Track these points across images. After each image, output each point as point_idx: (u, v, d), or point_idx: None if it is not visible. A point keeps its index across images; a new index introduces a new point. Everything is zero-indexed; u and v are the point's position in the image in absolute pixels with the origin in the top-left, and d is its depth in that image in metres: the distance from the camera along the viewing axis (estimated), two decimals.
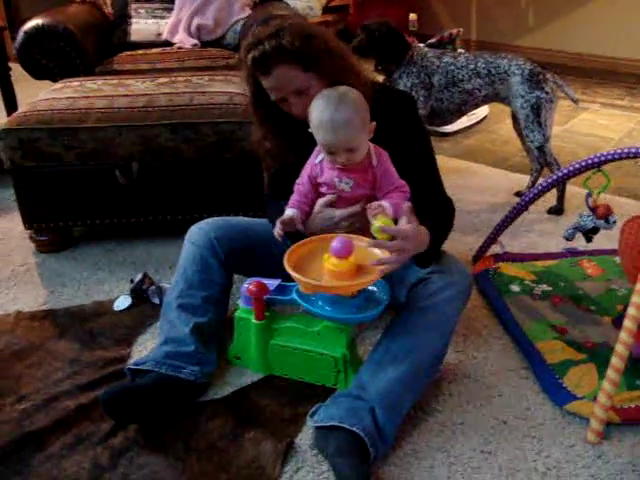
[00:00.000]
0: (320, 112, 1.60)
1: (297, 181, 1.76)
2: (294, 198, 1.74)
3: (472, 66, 2.74)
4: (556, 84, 2.67)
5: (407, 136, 1.77)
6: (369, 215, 1.58)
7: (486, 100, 2.86)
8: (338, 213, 1.70)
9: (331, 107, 1.58)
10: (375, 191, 1.67)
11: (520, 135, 2.84)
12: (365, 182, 1.67)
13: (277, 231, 1.66)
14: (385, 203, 1.60)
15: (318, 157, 1.71)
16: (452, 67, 2.77)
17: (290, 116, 1.74)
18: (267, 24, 1.71)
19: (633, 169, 3.11)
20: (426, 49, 2.90)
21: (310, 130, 1.64)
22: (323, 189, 1.72)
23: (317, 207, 1.73)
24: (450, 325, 1.71)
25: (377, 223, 1.53)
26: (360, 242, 1.62)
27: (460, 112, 2.92)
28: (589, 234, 2.03)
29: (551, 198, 2.67)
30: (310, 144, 1.68)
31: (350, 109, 1.59)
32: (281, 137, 1.80)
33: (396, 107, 1.78)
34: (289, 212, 1.70)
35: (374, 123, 1.64)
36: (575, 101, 2.73)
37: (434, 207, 1.75)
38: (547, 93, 2.63)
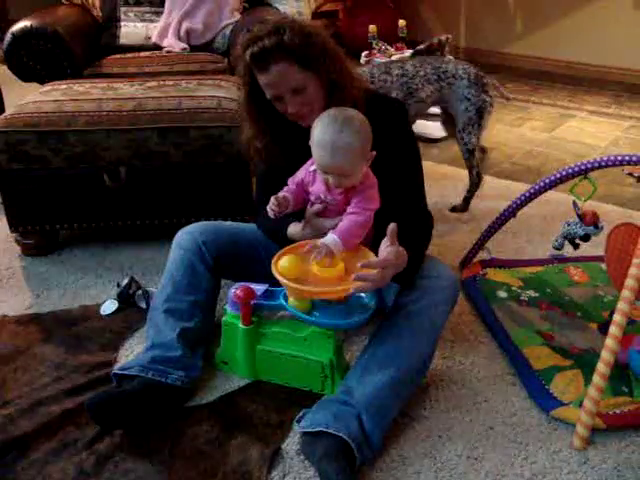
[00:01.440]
0: (323, 131, 1.58)
1: (290, 179, 1.76)
2: (288, 187, 1.75)
3: (422, 73, 2.67)
4: (494, 86, 2.72)
5: (397, 146, 1.77)
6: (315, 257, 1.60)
7: (431, 107, 2.83)
8: (327, 224, 1.70)
9: (335, 128, 1.57)
10: None
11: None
12: (346, 204, 1.68)
13: (270, 207, 1.67)
14: (334, 237, 1.60)
15: (313, 166, 1.71)
16: (405, 79, 2.66)
17: (284, 117, 1.74)
18: (266, 22, 1.69)
19: (619, 177, 3.12)
20: (366, 69, 2.74)
21: (310, 144, 1.63)
22: (311, 197, 1.72)
23: (307, 215, 1.74)
24: (437, 330, 1.71)
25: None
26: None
27: (413, 123, 2.87)
28: (580, 241, 2.03)
29: (543, 204, 2.67)
30: (301, 147, 1.68)
31: (354, 135, 1.58)
32: (273, 138, 1.80)
33: (387, 115, 1.78)
34: (284, 193, 1.71)
35: (374, 153, 1.63)
36: (508, 99, 2.82)
37: (414, 223, 1.75)
38: (490, 97, 2.68)
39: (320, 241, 1.59)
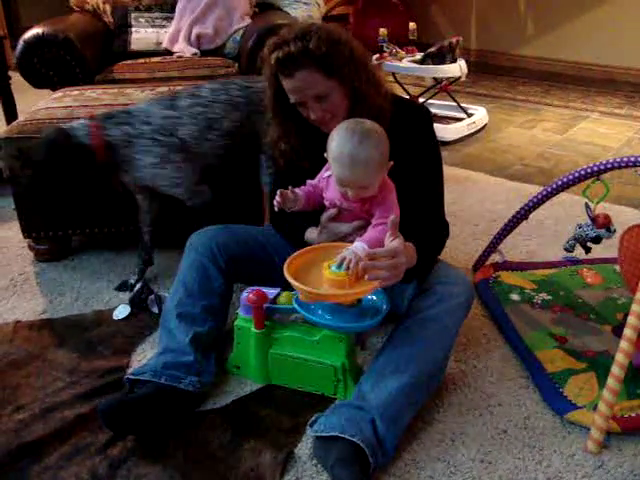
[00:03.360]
0: (341, 145, 1.58)
1: (309, 180, 1.77)
2: (304, 187, 1.76)
3: (224, 97, 2.14)
4: None
5: (420, 153, 1.77)
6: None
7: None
8: (344, 228, 1.71)
9: (354, 142, 1.56)
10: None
11: None
12: (362, 212, 1.68)
13: (276, 199, 1.68)
14: (363, 246, 1.57)
15: (327, 172, 1.71)
16: (198, 108, 2.10)
17: (308, 120, 1.74)
18: (294, 26, 1.70)
19: (632, 178, 3.11)
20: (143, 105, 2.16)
21: (326, 156, 1.64)
22: (326, 203, 1.73)
23: (322, 220, 1.74)
24: (452, 336, 1.71)
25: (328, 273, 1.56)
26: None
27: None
28: (591, 244, 2.02)
29: (556, 206, 2.66)
30: (325, 149, 1.68)
31: (372, 148, 1.57)
32: (298, 139, 1.80)
33: (412, 121, 1.79)
34: (296, 189, 1.72)
35: (391, 163, 1.62)
36: None
37: (429, 228, 1.75)
38: None
39: (348, 248, 1.57)
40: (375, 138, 1.58)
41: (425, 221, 1.74)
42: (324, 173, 1.73)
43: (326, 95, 1.66)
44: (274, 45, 1.66)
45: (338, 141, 1.58)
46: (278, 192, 1.68)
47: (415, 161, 1.74)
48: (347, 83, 1.67)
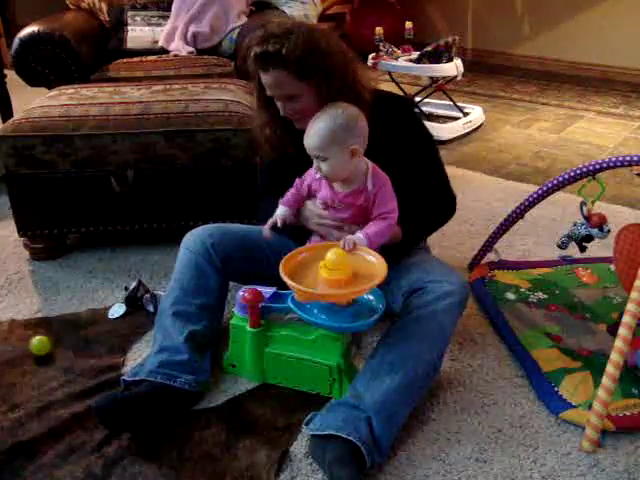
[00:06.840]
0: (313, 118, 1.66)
1: (297, 181, 1.78)
2: (290, 194, 1.77)
3: None
4: None
5: (407, 139, 1.80)
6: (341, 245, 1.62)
7: None
8: (330, 217, 1.73)
9: (318, 116, 1.64)
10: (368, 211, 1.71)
11: None
12: (355, 207, 1.70)
13: (265, 232, 1.74)
14: (360, 236, 1.63)
15: (318, 174, 1.71)
16: None
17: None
18: (283, 23, 1.74)
19: (628, 177, 3.11)
20: None
21: None
22: (319, 202, 1.74)
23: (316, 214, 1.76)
24: (446, 335, 1.70)
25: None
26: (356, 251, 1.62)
27: None
28: (583, 242, 2.03)
29: (551, 206, 2.66)
30: None
31: (331, 119, 1.62)
32: (282, 125, 1.83)
33: (394, 112, 1.81)
34: (281, 211, 1.75)
35: (355, 147, 1.64)
36: None
37: (432, 201, 1.80)
38: None
39: (347, 237, 1.62)
40: (338, 113, 1.63)
41: (430, 195, 1.81)
42: (315, 175, 1.73)
43: (297, 96, 1.71)
44: (258, 38, 1.70)
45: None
46: (269, 221, 1.75)
47: (406, 146, 1.79)
48: (318, 88, 1.69)
